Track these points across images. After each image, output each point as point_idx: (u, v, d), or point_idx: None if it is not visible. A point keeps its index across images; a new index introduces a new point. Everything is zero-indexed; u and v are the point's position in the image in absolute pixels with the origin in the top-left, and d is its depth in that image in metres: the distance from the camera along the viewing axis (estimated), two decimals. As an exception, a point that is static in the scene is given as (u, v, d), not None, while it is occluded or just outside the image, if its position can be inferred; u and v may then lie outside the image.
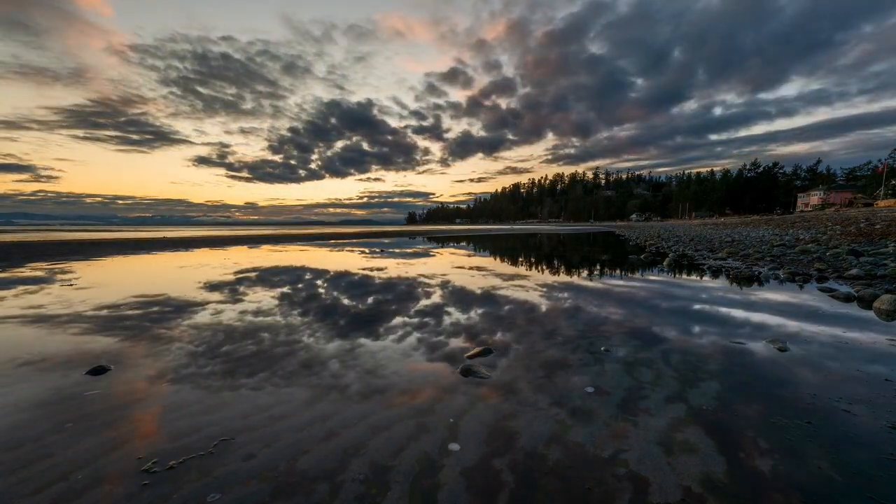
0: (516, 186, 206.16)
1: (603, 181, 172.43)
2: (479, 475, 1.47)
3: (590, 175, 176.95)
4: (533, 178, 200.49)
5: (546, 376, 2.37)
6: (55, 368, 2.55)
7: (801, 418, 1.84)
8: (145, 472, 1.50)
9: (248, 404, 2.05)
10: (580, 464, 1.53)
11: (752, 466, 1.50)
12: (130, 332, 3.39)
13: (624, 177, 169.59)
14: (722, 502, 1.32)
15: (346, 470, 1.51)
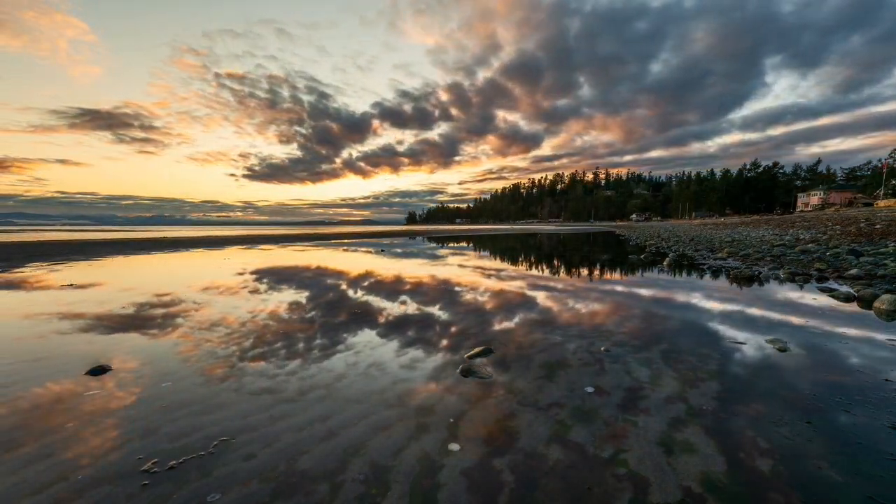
0: (516, 186, 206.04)
1: (603, 181, 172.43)
2: (480, 475, 1.47)
3: (590, 175, 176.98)
4: (533, 178, 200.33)
5: (546, 376, 2.37)
6: (56, 368, 2.55)
7: (801, 418, 1.84)
8: (145, 472, 1.50)
9: (248, 404, 2.05)
10: (580, 464, 1.53)
11: (752, 466, 1.50)
12: (130, 332, 3.39)
13: (624, 177, 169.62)
14: (722, 502, 1.32)
15: (346, 470, 1.51)
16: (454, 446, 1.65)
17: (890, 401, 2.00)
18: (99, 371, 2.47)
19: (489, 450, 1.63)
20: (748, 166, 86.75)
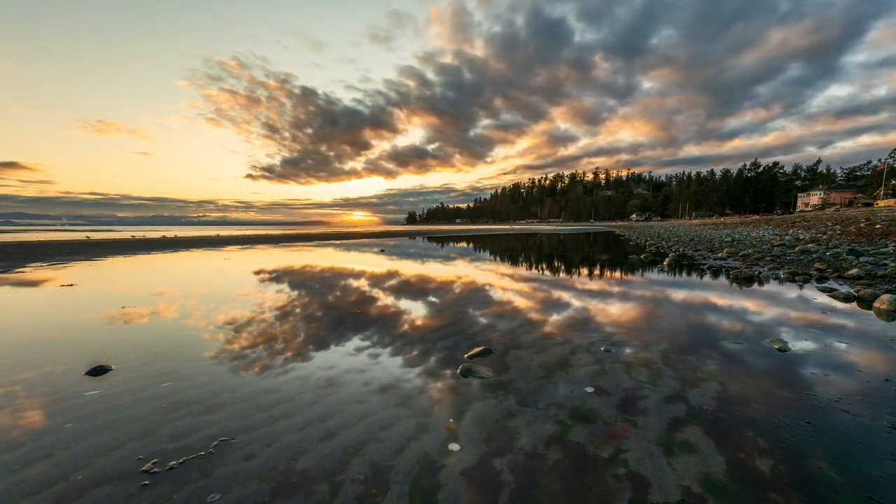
0: (516, 186, 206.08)
1: (603, 181, 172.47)
2: (480, 475, 1.47)
3: (590, 175, 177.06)
4: (533, 178, 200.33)
5: (546, 376, 2.37)
6: (56, 368, 2.55)
7: (801, 418, 1.84)
8: (145, 472, 1.50)
9: (247, 404, 2.05)
10: (580, 464, 1.53)
11: (752, 466, 1.50)
12: (130, 332, 3.39)
13: (624, 177, 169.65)
14: (722, 502, 1.32)
15: (346, 470, 1.51)
16: (454, 446, 1.66)
17: (890, 401, 2.00)
18: (99, 371, 2.47)
19: (489, 450, 1.63)
20: (748, 166, 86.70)
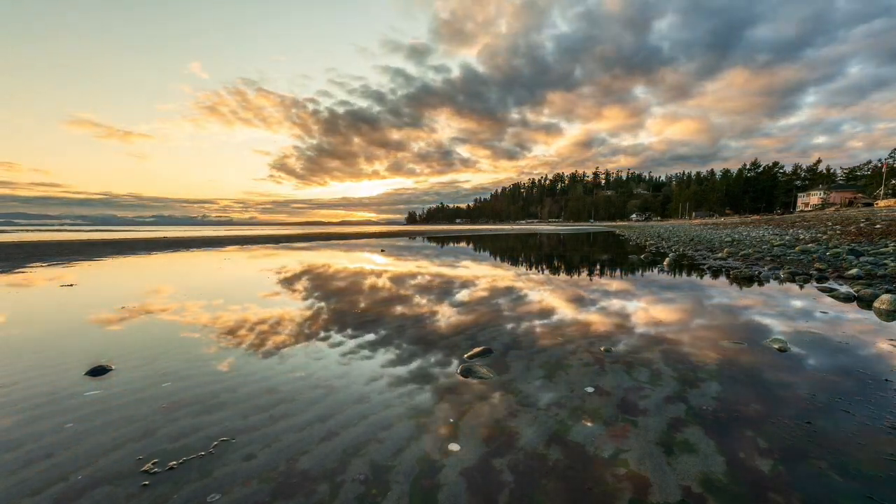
0: (516, 186, 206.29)
1: (603, 181, 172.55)
2: (480, 475, 1.47)
3: (590, 175, 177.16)
4: (533, 179, 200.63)
5: (546, 376, 2.37)
6: (56, 368, 2.55)
7: (800, 418, 1.84)
8: (145, 472, 1.50)
9: (248, 404, 2.05)
10: (580, 464, 1.53)
11: (752, 466, 1.50)
12: (130, 332, 3.39)
13: (624, 176, 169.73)
14: (722, 502, 1.32)
15: (346, 470, 1.51)
16: (454, 446, 1.65)
17: (890, 401, 2.00)
18: (99, 371, 2.47)
19: (489, 450, 1.63)
20: (748, 166, 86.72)
